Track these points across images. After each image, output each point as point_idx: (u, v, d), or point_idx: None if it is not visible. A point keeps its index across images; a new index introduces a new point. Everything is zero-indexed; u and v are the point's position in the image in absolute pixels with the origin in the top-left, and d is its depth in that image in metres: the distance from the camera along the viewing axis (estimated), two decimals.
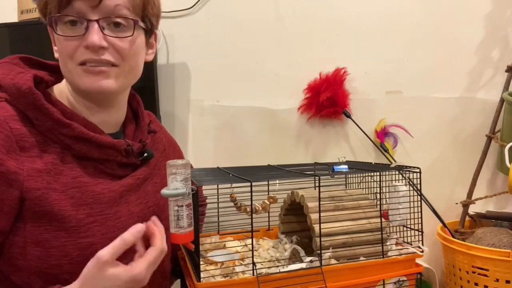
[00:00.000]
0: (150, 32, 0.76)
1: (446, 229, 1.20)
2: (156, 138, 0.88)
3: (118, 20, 0.68)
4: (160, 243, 0.66)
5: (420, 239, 0.99)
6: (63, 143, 0.68)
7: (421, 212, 1.00)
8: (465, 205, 1.34)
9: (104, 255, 0.59)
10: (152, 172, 0.83)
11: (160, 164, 0.86)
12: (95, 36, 0.65)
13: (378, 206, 0.99)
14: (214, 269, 0.88)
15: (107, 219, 0.70)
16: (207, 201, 1.10)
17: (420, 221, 1.00)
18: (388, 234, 1.01)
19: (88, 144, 0.69)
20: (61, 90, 0.74)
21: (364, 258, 0.92)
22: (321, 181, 0.91)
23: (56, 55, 0.72)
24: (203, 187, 1.05)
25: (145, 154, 0.80)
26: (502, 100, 1.31)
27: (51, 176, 0.66)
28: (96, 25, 0.65)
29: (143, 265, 0.62)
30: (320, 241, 0.89)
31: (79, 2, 0.65)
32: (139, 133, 0.82)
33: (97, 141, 0.70)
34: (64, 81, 0.75)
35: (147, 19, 0.73)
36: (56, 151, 0.68)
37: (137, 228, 0.64)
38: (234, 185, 0.92)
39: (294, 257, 0.95)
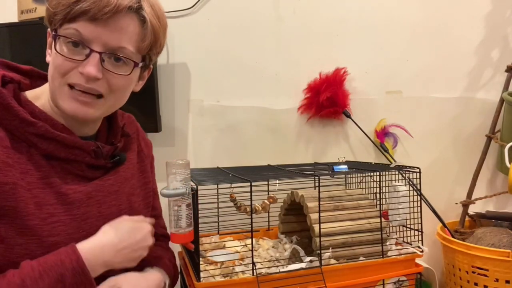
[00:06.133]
0: (146, 67, 0.78)
1: (446, 229, 1.20)
2: (129, 140, 0.88)
3: (120, 56, 0.69)
4: None
5: (420, 239, 0.99)
6: (29, 141, 0.69)
7: (421, 212, 1.00)
8: (465, 205, 1.34)
9: None
10: (129, 174, 0.83)
11: (138, 165, 0.86)
12: (94, 68, 0.66)
13: (378, 206, 0.99)
14: (214, 269, 0.88)
15: (73, 220, 0.70)
16: (207, 201, 1.09)
17: (420, 221, 1.00)
18: (388, 234, 1.01)
19: (54, 143, 0.70)
20: (37, 95, 0.74)
21: (363, 258, 0.92)
22: (321, 181, 0.91)
23: (48, 58, 0.71)
24: (203, 187, 1.05)
25: (117, 157, 0.80)
26: (502, 100, 1.31)
27: (18, 173, 0.66)
28: (97, 57, 0.66)
29: None
30: (320, 241, 0.89)
31: (88, 25, 0.64)
32: (111, 135, 0.83)
33: (63, 141, 0.70)
34: (44, 87, 0.75)
35: (148, 57, 0.74)
36: (23, 149, 0.68)
37: None
38: (234, 185, 0.92)
39: (294, 257, 0.95)
